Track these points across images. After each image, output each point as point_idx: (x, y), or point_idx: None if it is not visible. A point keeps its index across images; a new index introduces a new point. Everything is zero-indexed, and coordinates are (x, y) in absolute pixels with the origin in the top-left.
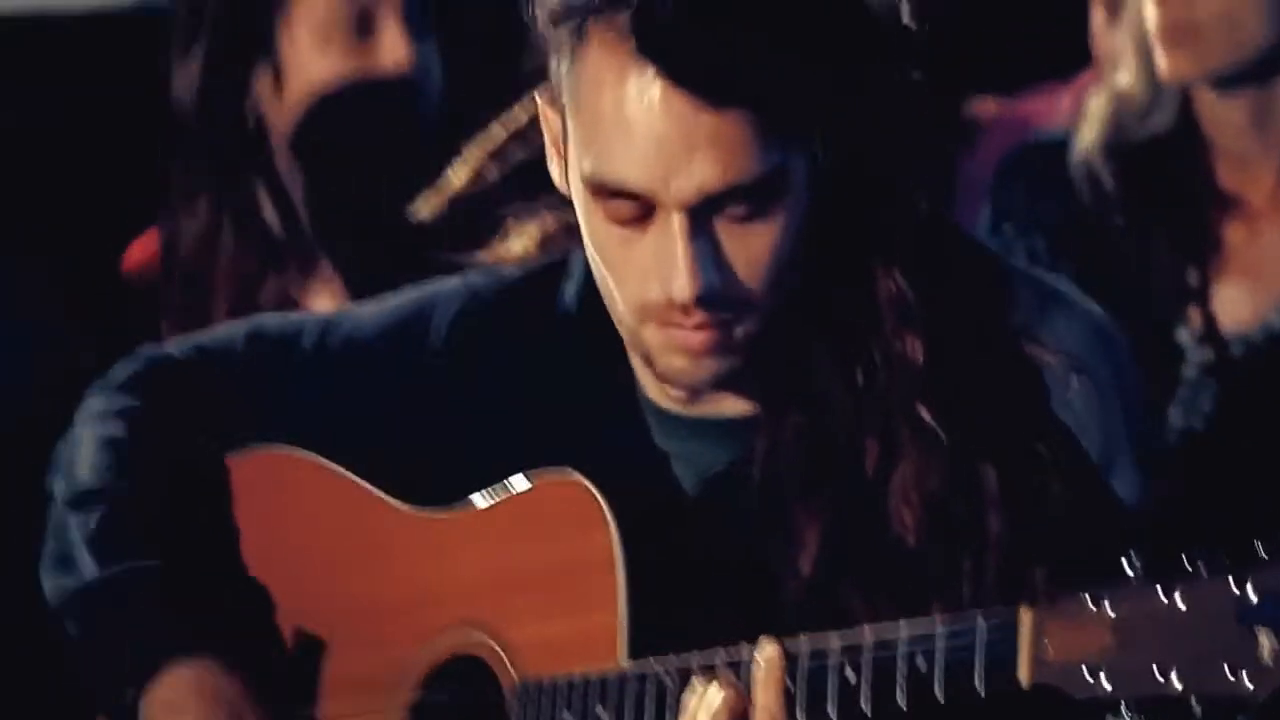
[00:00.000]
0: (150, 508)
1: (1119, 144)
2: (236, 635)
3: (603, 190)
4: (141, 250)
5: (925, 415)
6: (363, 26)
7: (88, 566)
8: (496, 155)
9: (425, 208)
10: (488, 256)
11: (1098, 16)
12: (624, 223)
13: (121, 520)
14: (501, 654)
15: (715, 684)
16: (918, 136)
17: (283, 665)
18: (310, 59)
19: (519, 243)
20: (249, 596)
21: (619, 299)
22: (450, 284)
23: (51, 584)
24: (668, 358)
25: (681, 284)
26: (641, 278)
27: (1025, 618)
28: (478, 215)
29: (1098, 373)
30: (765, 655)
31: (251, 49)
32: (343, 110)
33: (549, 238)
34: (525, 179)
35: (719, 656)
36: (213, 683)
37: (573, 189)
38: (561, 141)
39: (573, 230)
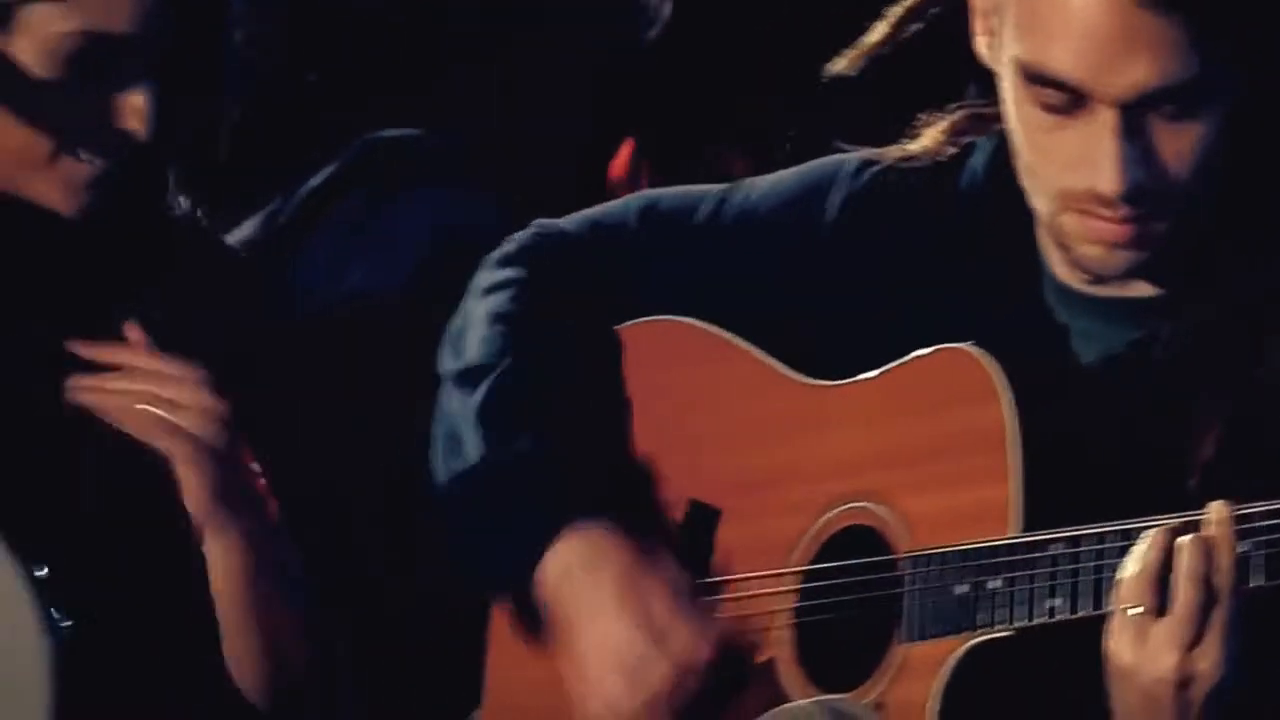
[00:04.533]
0: (538, 382)
1: None
2: (627, 506)
3: (1035, 76)
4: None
5: None
6: None
7: (474, 446)
8: (916, 14)
9: (843, 62)
10: (896, 152)
11: None
12: (1052, 110)
13: (508, 395)
14: (893, 524)
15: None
16: None
17: (675, 535)
18: None
19: (928, 136)
20: (638, 469)
21: (1038, 182)
22: (849, 158)
23: (440, 466)
24: (1083, 246)
25: (1109, 179)
26: (1066, 165)
27: None
28: (889, 75)
29: None
30: (1218, 516)
31: None
32: None
33: (957, 129)
34: (941, 49)
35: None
36: (612, 543)
37: (1001, 67)
38: (993, 17)
39: (981, 120)
